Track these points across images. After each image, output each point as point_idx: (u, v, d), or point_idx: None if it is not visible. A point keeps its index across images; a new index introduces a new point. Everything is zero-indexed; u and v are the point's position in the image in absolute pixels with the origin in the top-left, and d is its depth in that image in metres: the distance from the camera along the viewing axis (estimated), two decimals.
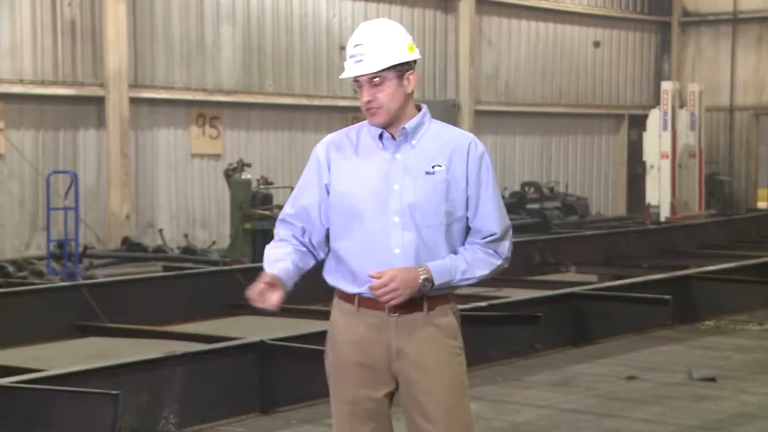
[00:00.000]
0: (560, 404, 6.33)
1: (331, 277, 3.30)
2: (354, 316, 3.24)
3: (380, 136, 3.25)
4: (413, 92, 3.25)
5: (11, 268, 12.32)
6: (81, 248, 13.68)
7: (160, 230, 16.04)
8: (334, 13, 18.83)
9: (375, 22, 3.30)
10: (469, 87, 20.91)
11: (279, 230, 3.35)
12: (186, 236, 16.16)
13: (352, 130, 3.32)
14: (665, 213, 19.35)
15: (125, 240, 15.34)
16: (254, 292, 3.16)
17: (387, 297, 3.14)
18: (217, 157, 17.34)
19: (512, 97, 22.07)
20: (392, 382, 3.24)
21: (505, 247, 3.34)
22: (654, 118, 19.70)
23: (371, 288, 3.15)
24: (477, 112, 21.12)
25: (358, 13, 19.21)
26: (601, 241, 14.72)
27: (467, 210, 3.26)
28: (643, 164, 20.17)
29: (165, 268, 12.55)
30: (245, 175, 14.14)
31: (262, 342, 6.17)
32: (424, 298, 3.20)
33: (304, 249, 3.31)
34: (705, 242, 15.79)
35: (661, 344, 8.28)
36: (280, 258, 3.25)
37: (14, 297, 9.14)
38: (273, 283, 3.17)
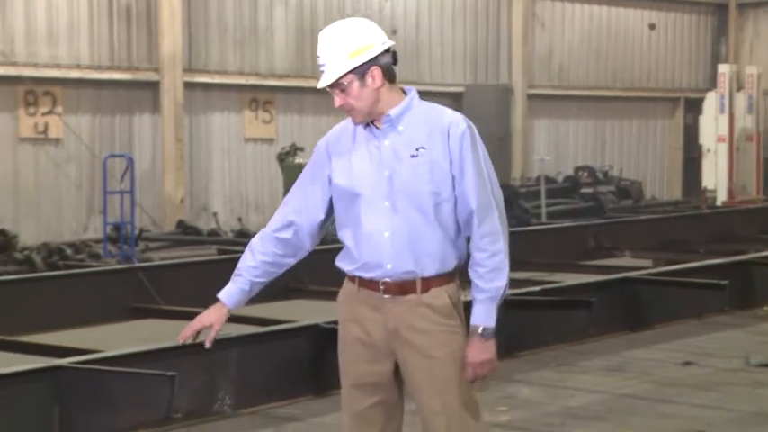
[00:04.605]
0: (614, 389, 6.29)
1: (339, 261, 3.44)
2: (356, 295, 3.38)
3: (368, 125, 3.37)
4: (385, 83, 3.31)
5: (69, 251, 12.50)
6: (137, 232, 13.84)
7: (214, 214, 16.17)
8: None
9: (331, 29, 3.34)
10: (522, 71, 20.77)
11: (270, 223, 3.54)
12: (240, 219, 16.28)
13: (350, 121, 3.43)
14: (721, 197, 19.10)
15: (180, 224, 15.49)
16: (189, 333, 3.68)
17: (483, 372, 3.33)
18: (270, 141, 17.43)
19: (565, 81, 21.87)
20: (392, 359, 3.36)
21: (494, 224, 3.32)
22: (710, 101, 19.43)
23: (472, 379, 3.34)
24: (530, 96, 20.97)
25: None
26: (656, 226, 14.55)
27: (454, 189, 3.32)
28: (699, 147, 19.91)
29: (220, 251, 12.63)
30: (298, 159, 14.20)
31: (316, 325, 6.20)
32: (417, 280, 3.30)
33: (272, 260, 3.51)
34: (763, 227, 15.52)
35: (718, 329, 8.18)
36: (241, 274, 3.56)
37: (72, 279, 9.28)
38: (208, 327, 3.62)
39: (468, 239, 3.37)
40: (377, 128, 3.35)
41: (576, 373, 6.71)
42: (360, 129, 3.39)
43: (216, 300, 3.64)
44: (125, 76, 15.86)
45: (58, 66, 15.18)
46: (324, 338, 6.17)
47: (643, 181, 22.27)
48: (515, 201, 16.82)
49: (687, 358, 7.07)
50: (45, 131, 15.14)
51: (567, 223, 15.20)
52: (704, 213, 16.66)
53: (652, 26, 23.24)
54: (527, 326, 7.38)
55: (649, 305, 8.36)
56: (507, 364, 6.90)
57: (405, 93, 3.38)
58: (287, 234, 3.48)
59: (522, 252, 11.90)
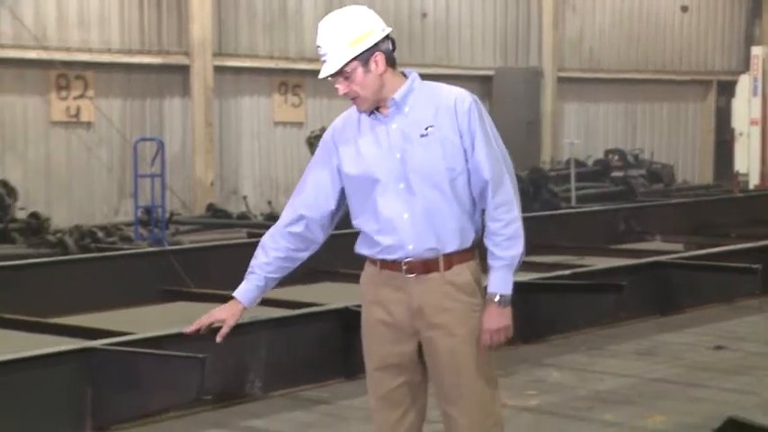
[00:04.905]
0: (645, 373, 6.27)
1: (359, 248, 3.46)
2: (377, 277, 3.41)
3: (373, 112, 3.39)
4: (387, 69, 3.34)
5: (100, 234, 12.59)
6: (168, 215, 13.91)
7: (244, 197, 16.23)
8: None
9: (330, 18, 3.35)
10: (553, 54, 20.64)
11: (280, 219, 3.56)
12: (270, 203, 16.33)
13: (353, 109, 3.45)
14: (754, 181, 18.92)
15: (210, 207, 15.56)
16: (204, 324, 3.61)
17: (500, 339, 3.36)
18: (299, 124, 17.45)
19: (596, 64, 21.73)
20: (416, 339, 3.39)
21: (508, 193, 3.36)
22: (743, 84, 19.23)
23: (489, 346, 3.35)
24: (560, 79, 20.85)
25: None
26: (687, 210, 14.46)
27: (466, 163, 3.35)
28: (731, 131, 19.73)
29: (250, 235, 12.69)
30: None
31: (345, 308, 6.21)
32: (440, 257, 3.33)
33: (285, 255, 3.51)
34: None
35: (749, 314, 8.12)
36: (254, 271, 3.53)
37: (104, 262, 9.37)
38: (224, 321, 3.58)
39: (483, 212, 3.40)
40: (382, 114, 3.37)
41: (606, 357, 6.69)
42: (364, 116, 3.41)
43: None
44: (155, 60, 15.92)
45: (89, 50, 15.26)
46: (353, 321, 6.15)
47: (674, 164, 22.11)
48: (545, 184, 16.76)
49: (718, 342, 7.03)
50: (77, 115, 15.25)
51: (597, 207, 15.13)
52: (736, 197, 16.52)
53: (684, 8, 23.02)
54: (557, 310, 7.36)
55: (680, 289, 8.31)
56: (537, 348, 6.89)
57: (405, 76, 3.41)
58: (298, 228, 3.49)
59: (552, 236, 11.89)
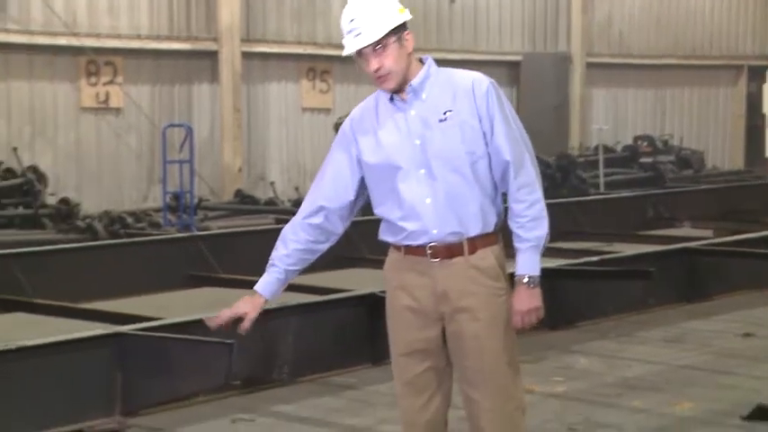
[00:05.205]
0: (673, 360, 6.25)
1: (383, 235, 3.48)
2: (402, 263, 3.43)
3: (391, 99, 3.39)
4: (413, 51, 3.37)
5: (129, 219, 12.68)
6: (196, 201, 13.98)
7: (271, 183, 16.27)
8: None
9: None
10: (581, 39, 20.51)
11: (300, 210, 3.54)
12: (297, 189, 16.37)
13: (370, 99, 3.47)
14: None
15: (237, 193, 15.62)
16: (224, 319, 3.52)
17: (531, 320, 3.38)
18: (327, 110, 17.45)
19: (625, 49, 21.57)
20: (441, 324, 3.40)
21: (530, 174, 3.37)
22: None
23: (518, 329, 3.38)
24: (589, 65, 20.72)
25: None
26: (717, 196, 14.38)
27: (486, 146, 3.37)
28: (763, 116, 19.54)
29: (277, 221, 12.74)
30: None
31: (371, 294, 6.23)
32: (464, 241, 3.34)
33: (304, 247, 3.50)
34: None
35: None
36: (275, 264, 3.52)
37: (133, 247, 9.43)
38: (245, 314, 3.51)
39: (504, 195, 3.41)
40: (401, 99, 3.39)
41: (634, 344, 6.67)
42: (382, 105, 3.42)
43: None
44: (184, 46, 15.97)
45: (119, 36, 15.33)
46: (380, 307, 6.19)
47: (704, 150, 21.95)
48: (573, 170, 16.69)
49: (747, 329, 7.00)
50: (106, 101, 15.33)
51: (625, 193, 15.07)
52: (766, 183, 16.38)
53: None
54: (585, 296, 7.35)
55: (709, 276, 8.27)
56: (565, 334, 6.89)
57: (422, 63, 3.42)
58: (318, 219, 3.50)
59: (580, 222, 11.85)
